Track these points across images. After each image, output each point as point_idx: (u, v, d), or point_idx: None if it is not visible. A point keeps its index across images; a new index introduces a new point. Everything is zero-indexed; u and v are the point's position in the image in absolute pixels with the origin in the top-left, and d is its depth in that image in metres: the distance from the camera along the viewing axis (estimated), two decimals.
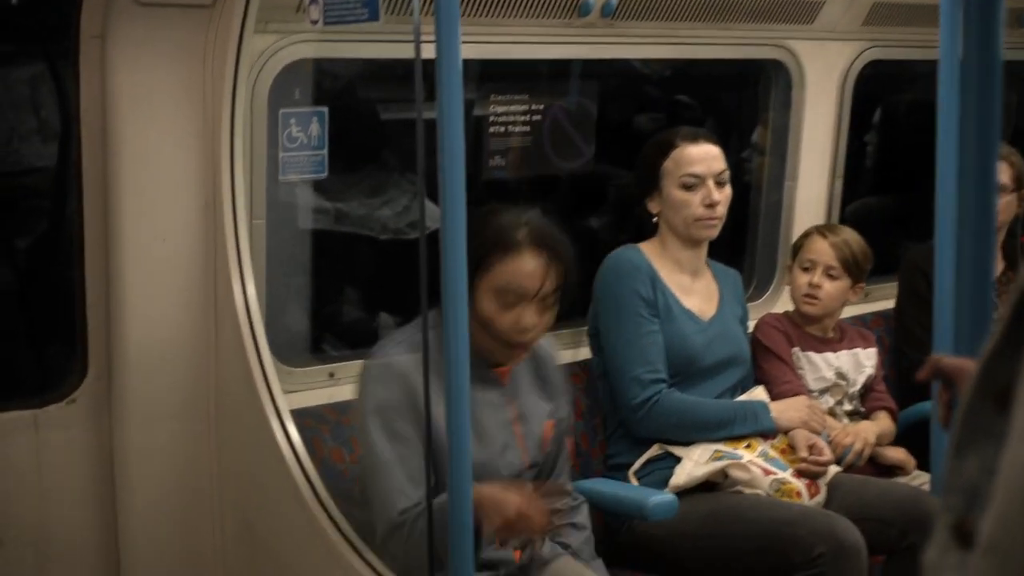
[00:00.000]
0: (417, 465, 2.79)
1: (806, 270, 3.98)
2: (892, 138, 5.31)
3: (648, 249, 3.68)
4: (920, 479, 3.84)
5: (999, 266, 4.31)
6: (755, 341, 3.93)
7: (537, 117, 3.91)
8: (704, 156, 3.61)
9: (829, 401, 3.91)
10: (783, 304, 4.42)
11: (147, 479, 3.12)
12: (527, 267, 2.89)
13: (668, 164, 3.61)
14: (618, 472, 3.57)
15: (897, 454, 3.91)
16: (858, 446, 3.73)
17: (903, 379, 4.28)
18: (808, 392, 3.84)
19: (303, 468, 2.97)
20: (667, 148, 3.63)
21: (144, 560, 3.15)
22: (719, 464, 3.43)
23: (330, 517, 2.92)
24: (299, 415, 3.11)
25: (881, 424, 3.90)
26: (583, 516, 3.20)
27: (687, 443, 3.50)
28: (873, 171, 5.31)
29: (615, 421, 3.62)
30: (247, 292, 3.06)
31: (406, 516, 2.79)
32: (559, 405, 3.17)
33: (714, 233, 3.67)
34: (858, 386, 3.98)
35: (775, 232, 4.49)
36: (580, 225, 4.38)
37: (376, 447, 2.83)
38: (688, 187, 3.59)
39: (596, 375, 3.68)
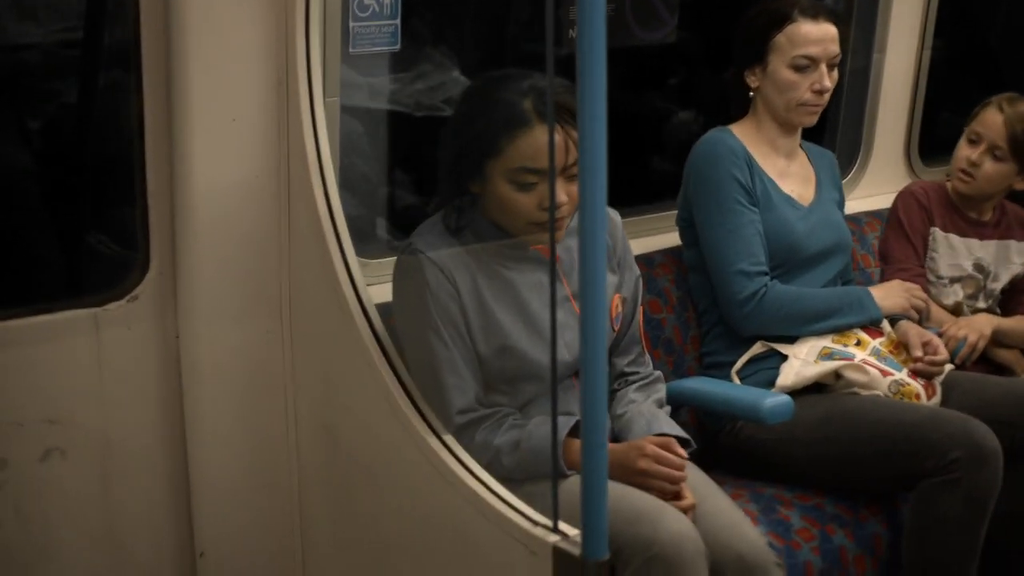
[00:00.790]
0: (469, 362, 2.73)
1: (972, 143, 3.65)
2: None
3: (741, 131, 3.42)
4: None
5: None
6: (892, 209, 3.69)
7: None
8: (822, 37, 3.32)
9: (959, 293, 3.64)
10: (865, 189, 4.17)
11: (216, 380, 2.93)
12: (539, 143, 2.65)
13: (780, 39, 3.33)
14: (715, 371, 3.36)
15: (1008, 354, 3.64)
16: (972, 338, 3.49)
17: None
18: (937, 279, 3.58)
19: (393, 367, 2.74)
20: (781, 20, 3.33)
21: (213, 466, 2.97)
22: (831, 364, 3.21)
23: (423, 418, 2.70)
24: (379, 310, 2.85)
25: (1012, 322, 3.64)
26: (662, 392, 2.99)
27: (791, 340, 3.28)
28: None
29: (712, 317, 3.40)
30: (325, 177, 2.81)
31: (464, 419, 2.72)
32: (626, 278, 2.97)
33: (814, 120, 3.41)
34: (1000, 282, 3.70)
35: (860, 107, 4.21)
36: (662, 104, 4.12)
37: (428, 346, 2.75)
38: (799, 68, 3.32)
39: (689, 267, 3.44)
